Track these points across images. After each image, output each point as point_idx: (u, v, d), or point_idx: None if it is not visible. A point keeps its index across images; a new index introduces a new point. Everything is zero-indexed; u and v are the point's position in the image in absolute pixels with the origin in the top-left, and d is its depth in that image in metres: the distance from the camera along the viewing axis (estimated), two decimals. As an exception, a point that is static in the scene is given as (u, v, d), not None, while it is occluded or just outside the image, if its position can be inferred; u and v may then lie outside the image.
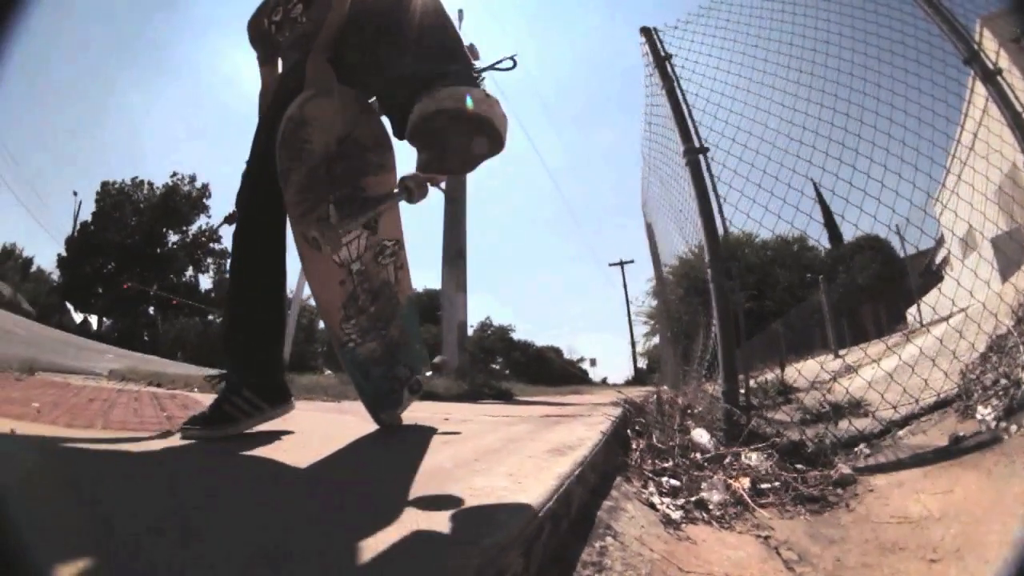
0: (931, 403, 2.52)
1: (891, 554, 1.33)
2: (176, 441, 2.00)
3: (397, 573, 0.78)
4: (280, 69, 2.75)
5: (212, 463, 1.65)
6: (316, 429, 2.37)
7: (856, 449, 2.40)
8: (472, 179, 10.76)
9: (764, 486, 1.95)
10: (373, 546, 0.88)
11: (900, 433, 2.44)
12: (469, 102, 1.50)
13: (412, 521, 1.00)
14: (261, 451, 1.75)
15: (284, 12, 2.61)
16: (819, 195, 3.36)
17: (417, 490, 1.25)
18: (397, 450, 1.90)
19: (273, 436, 2.03)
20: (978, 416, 2.16)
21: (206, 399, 3.88)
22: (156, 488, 1.32)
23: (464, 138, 1.59)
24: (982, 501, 1.55)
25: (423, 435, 2.12)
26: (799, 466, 2.17)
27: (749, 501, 1.79)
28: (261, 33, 2.71)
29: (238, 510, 1.12)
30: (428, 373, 2.66)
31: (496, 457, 1.47)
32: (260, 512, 1.11)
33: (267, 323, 2.34)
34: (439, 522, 0.99)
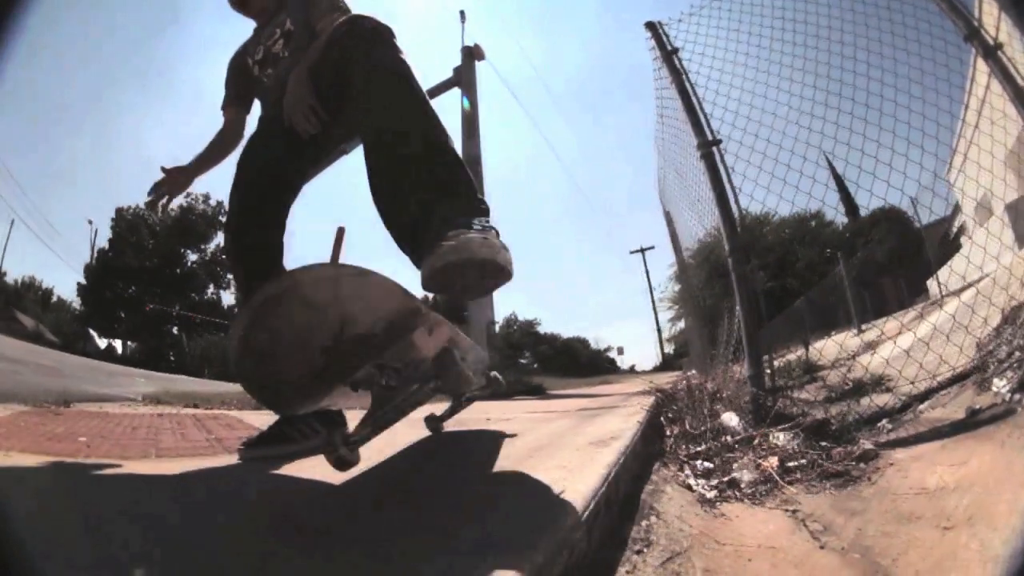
0: (949, 377, 2.59)
1: (908, 523, 1.43)
2: (234, 460, 2.16)
3: (491, 555, 0.94)
4: (256, 109, 2.70)
5: (278, 480, 1.79)
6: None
7: (879, 425, 2.47)
8: (489, 178, 10.76)
9: (792, 464, 2.05)
10: (461, 535, 1.04)
11: (920, 407, 2.51)
12: (473, 251, 1.53)
13: (487, 512, 1.17)
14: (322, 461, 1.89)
15: (266, 49, 2.60)
16: (833, 171, 3.43)
17: (483, 486, 1.41)
18: (454, 452, 2.04)
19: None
20: (993, 389, 2.26)
21: (246, 417, 4.01)
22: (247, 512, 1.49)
23: (472, 280, 1.69)
24: (995, 472, 1.64)
25: (474, 437, 2.26)
26: (824, 443, 2.26)
27: (778, 479, 1.91)
28: (241, 71, 2.70)
29: (324, 519, 1.29)
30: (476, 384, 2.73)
31: (546, 452, 1.63)
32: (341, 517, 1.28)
33: None
34: (513, 512, 1.15)
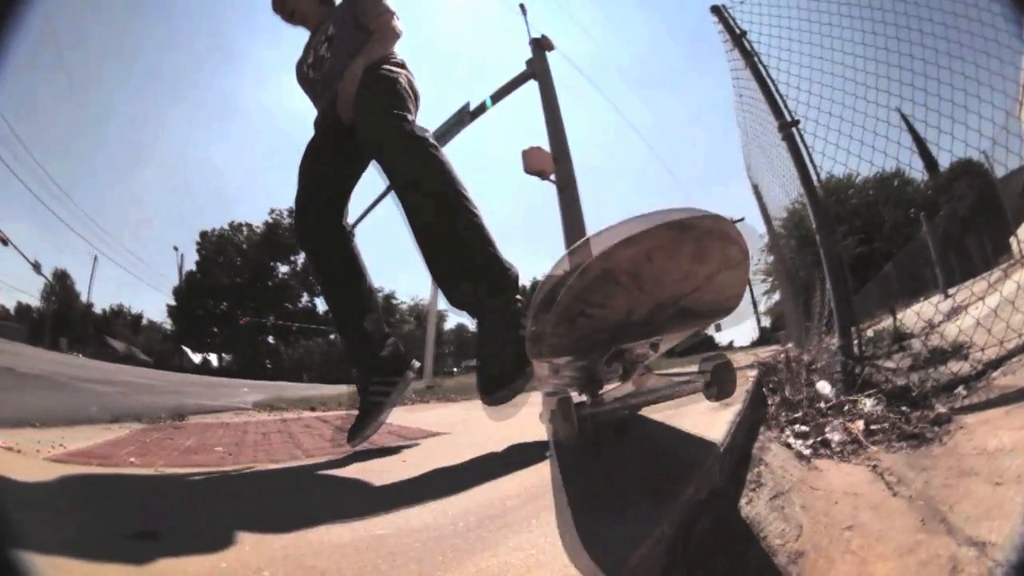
0: (1017, 345, 2.69)
1: (966, 478, 1.62)
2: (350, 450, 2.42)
3: (653, 482, 1.37)
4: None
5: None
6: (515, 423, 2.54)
7: (955, 391, 2.57)
8: (577, 163, 10.77)
9: (875, 427, 2.26)
10: (629, 470, 1.50)
11: (993, 375, 2.61)
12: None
13: (647, 457, 1.63)
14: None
15: (315, 54, 2.83)
16: (909, 127, 3.47)
17: (647, 437, 1.86)
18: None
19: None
20: (1054, 357, 2.42)
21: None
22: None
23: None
24: (1048, 435, 1.78)
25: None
26: (904, 408, 2.42)
27: (862, 440, 2.15)
28: (305, 78, 2.95)
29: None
30: None
31: (678, 415, 1.97)
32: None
33: (356, 329, 2.69)
34: (675, 452, 1.61)
